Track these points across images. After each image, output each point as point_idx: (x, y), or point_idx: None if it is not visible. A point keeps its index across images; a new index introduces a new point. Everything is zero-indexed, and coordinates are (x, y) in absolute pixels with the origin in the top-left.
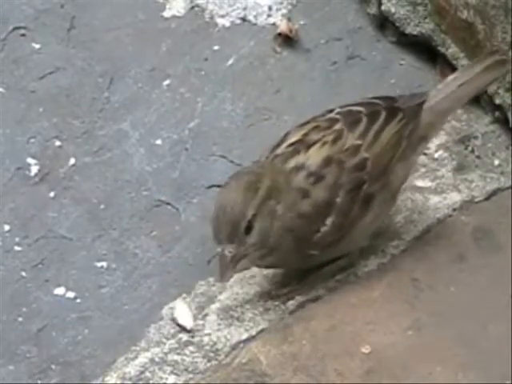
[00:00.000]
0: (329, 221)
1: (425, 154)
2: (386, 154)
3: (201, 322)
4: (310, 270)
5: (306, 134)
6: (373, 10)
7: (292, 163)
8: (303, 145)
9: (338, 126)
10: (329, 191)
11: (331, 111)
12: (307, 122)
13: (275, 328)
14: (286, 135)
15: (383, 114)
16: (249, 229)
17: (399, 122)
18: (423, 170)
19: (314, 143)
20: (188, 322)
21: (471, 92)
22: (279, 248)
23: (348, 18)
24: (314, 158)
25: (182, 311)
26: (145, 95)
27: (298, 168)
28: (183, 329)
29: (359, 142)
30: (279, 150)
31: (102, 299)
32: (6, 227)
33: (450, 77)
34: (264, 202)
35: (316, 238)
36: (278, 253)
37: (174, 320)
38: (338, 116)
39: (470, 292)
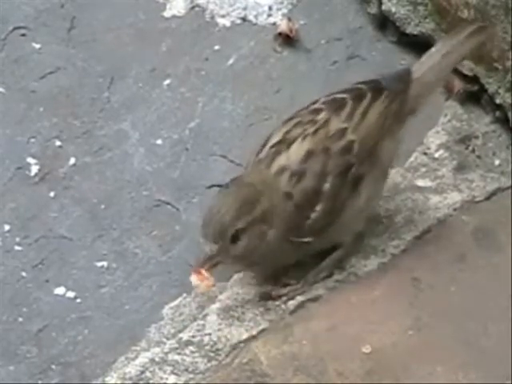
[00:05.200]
0: (319, 207)
1: (425, 154)
2: (373, 134)
3: (201, 322)
4: (303, 265)
5: (287, 132)
6: (373, 9)
7: (275, 167)
8: (285, 144)
9: (321, 116)
10: (315, 181)
11: (315, 102)
12: (290, 118)
13: (275, 328)
14: (270, 135)
15: (368, 96)
16: (234, 238)
17: (384, 100)
18: (423, 169)
19: (295, 140)
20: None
21: (455, 61)
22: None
23: (348, 18)
24: (295, 154)
25: None
26: (145, 95)
27: (281, 170)
28: None
29: (345, 125)
30: (263, 154)
31: (102, 299)
32: (6, 227)
33: (433, 48)
34: (256, 222)
35: (307, 225)
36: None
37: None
38: (322, 106)
39: (470, 292)
